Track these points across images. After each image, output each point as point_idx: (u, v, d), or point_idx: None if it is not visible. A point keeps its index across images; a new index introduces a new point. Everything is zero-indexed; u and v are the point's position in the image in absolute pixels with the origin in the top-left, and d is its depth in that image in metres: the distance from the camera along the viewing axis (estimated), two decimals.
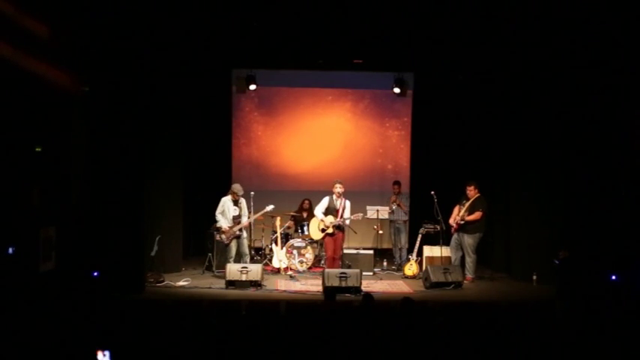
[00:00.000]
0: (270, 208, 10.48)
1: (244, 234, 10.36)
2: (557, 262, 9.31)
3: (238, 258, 10.25)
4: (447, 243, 10.71)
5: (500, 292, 9.65)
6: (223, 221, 10.19)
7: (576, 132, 9.82)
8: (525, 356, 5.20)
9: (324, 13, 9.52)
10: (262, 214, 10.62)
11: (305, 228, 11.41)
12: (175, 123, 10.86)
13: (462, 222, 10.39)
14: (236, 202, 10.32)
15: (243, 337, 5.29)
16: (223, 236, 10.19)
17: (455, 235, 10.56)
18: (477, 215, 10.35)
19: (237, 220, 10.26)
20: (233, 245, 10.21)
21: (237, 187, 10.43)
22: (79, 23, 8.45)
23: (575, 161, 9.89)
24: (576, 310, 6.72)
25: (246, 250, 10.38)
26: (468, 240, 10.40)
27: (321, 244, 11.52)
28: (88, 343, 4.85)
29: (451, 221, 10.52)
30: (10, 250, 7.44)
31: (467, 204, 10.46)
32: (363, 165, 13.12)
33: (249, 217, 10.40)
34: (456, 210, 10.52)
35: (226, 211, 10.24)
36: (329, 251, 10.22)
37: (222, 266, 10.24)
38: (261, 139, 13.08)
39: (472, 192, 10.51)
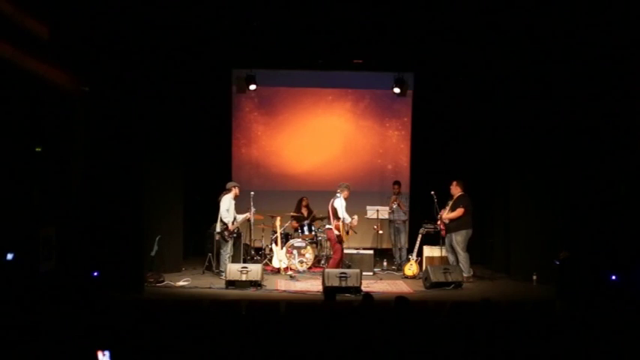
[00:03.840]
0: (253, 210, 10.68)
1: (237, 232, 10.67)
2: (557, 262, 9.32)
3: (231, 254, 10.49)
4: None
5: (500, 292, 9.64)
6: (230, 218, 10.37)
7: (576, 132, 9.82)
8: (525, 356, 5.20)
9: (324, 13, 9.52)
10: (253, 214, 10.71)
11: (305, 228, 11.41)
12: (175, 123, 10.87)
13: (447, 221, 10.42)
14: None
15: (243, 337, 5.28)
16: (226, 233, 10.31)
17: (446, 238, 10.57)
18: (458, 212, 10.36)
19: (234, 219, 10.48)
20: (230, 242, 10.41)
21: (235, 183, 10.71)
22: (79, 23, 8.45)
23: (575, 161, 9.88)
24: (577, 310, 6.72)
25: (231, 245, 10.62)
26: (456, 237, 10.40)
27: (321, 244, 11.54)
28: (88, 343, 4.85)
29: (439, 222, 10.55)
30: (10, 257, 7.43)
31: (450, 203, 10.49)
32: (363, 165, 13.13)
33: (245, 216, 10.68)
34: (442, 212, 10.53)
35: (231, 209, 10.44)
36: (341, 253, 10.20)
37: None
38: (261, 139, 13.08)
39: (453, 189, 10.57)
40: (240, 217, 10.66)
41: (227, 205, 10.38)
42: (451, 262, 10.43)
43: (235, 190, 10.52)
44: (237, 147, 13.02)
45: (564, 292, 8.72)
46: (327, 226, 10.31)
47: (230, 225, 10.32)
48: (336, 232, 10.05)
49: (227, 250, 10.37)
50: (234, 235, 10.51)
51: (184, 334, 5.33)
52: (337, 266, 9.99)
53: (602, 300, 8.10)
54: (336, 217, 10.03)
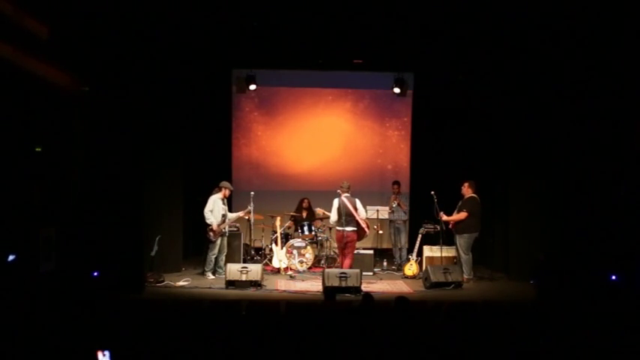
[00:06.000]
0: (250, 208, 10.68)
1: (227, 231, 10.66)
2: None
3: (220, 254, 10.52)
4: (446, 243, 10.72)
5: (500, 292, 9.65)
6: (213, 219, 10.32)
7: (576, 132, 9.83)
8: (524, 356, 5.20)
9: (324, 13, 9.52)
10: (246, 213, 10.74)
11: (305, 228, 11.40)
12: (175, 123, 10.87)
13: (447, 222, 10.44)
14: (223, 201, 10.50)
15: (243, 337, 5.28)
16: (211, 234, 10.33)
17: (454, 237, 10.59)
18: (459, 216, 10.36)
19: (224, 218, 10.47)
20: (218, 242, 10.43)
21: (227, 183, 10.68)
22: (79, 23, 8.45)
23: (574, 161, 9.89)
24: (577, 310, 6.72)
25: (225, 246, 10.63)
26: (458, 240, 10.44)
27: (321, 244, 11.54)
28: (88, 343, 4.85)
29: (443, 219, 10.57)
30: (11, 258, 7.43)
31: (460, 204, 10.51)
32: (363, 165, 13.13)
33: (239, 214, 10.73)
34: (441, 214, 10.51)
35: (216, 209, 10.40)
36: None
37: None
38: (261, 139, 13.08)
39: (464, 190, 10.58)
40: (234, 215, 10.67)
41: (210, 205, 10.40)
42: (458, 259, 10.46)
43: (225, 191, 10.53)
44: (237, 147, 13.02)
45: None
46: (350, 229, 9.82)
47: (215, 226, 10.31)
48: (368, 231, 10.05)
49: (214, 251, 10.41)
50: (225, 234, 10.52)
51: (184, 334, 5.32)
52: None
53: (602, 300, 8.09)
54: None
